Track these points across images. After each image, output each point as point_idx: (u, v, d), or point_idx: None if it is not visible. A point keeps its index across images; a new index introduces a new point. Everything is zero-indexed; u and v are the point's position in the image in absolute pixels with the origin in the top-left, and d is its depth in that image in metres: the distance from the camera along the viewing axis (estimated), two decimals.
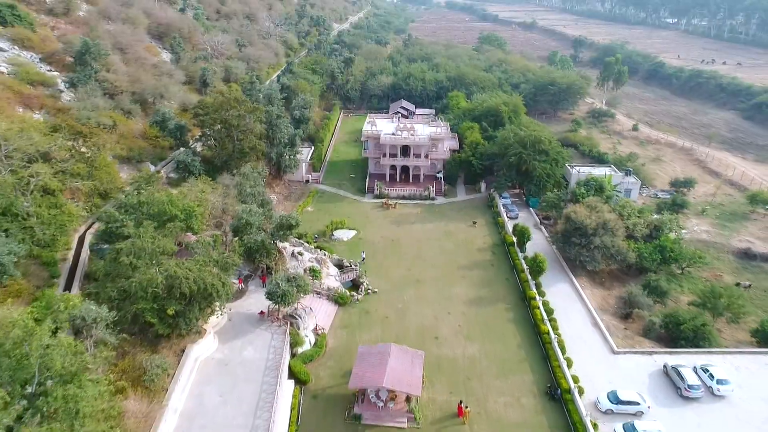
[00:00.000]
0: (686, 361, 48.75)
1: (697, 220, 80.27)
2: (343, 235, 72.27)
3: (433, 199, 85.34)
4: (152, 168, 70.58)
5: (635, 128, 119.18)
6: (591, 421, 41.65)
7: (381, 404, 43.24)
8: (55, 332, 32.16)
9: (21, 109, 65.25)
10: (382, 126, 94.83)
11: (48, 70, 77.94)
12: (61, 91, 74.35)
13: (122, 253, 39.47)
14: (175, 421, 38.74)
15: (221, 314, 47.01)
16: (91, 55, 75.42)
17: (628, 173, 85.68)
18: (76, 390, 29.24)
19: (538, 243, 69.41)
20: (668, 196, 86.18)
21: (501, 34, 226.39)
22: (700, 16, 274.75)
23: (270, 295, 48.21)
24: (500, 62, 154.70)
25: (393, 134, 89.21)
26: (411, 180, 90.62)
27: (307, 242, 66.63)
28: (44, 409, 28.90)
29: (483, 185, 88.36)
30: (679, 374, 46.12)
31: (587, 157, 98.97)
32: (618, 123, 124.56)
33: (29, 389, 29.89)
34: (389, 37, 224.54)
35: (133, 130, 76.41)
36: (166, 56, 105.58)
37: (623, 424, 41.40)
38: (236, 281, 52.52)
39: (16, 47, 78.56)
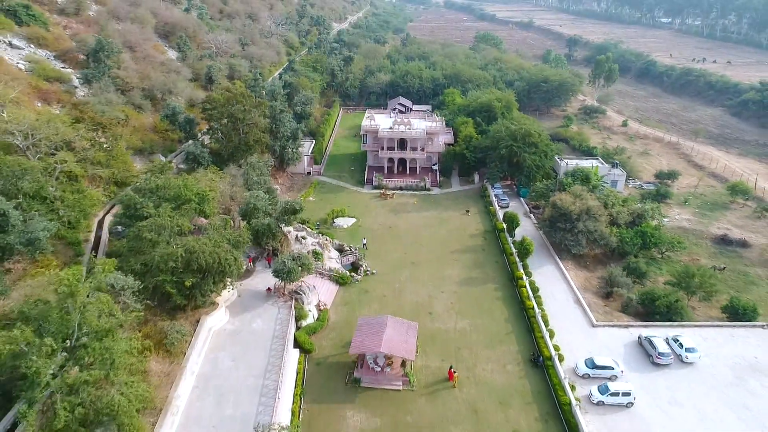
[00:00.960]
0: (659, 333, 52.91)
1: (679, 209, 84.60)
2: (344, 222, 76.53)
3: (428, 189, 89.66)
4: (162, 159, 74.74)
5: (624, 124, 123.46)
6: (569, 384, 45.95)
7: (378, 369, 47.51)
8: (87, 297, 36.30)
9: (39, 104, 69.40)
10: (381, 121, 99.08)
11: (62, 67, 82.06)
12: (76, 87, 78.39)
13: (144, 230, 43.69)
14: (192, 381, 42.99)
15: (232, 288, 51.21)
16: (104, 52, 79.55)
17: (614, 165, 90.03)
18: (111, 343, 33.49)
19: (527, 229, 73.69)
20: (653, 187, 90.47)
21: (498, 34, 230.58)
22: (693, 16, 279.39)
23: (276, 273, 52.48)
24: (496, 61, 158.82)
25: (391, 128, 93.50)
26: (408, 172, 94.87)
27: (310, 228, 70.85)
28: (83, 360, 33.13)
29: (476, 177, 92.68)
30: (651, 343, 50.42)
31: (577, 151, 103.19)
32: (608, 119, 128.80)
33: (69, 343, 34.06)
34: (388, 36, 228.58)
35: (145, 123, 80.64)
36: (172, 54, 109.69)
37: (598, 386, 45.70)
38: (246, 260, 56.70)
39: (31, 45, 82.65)
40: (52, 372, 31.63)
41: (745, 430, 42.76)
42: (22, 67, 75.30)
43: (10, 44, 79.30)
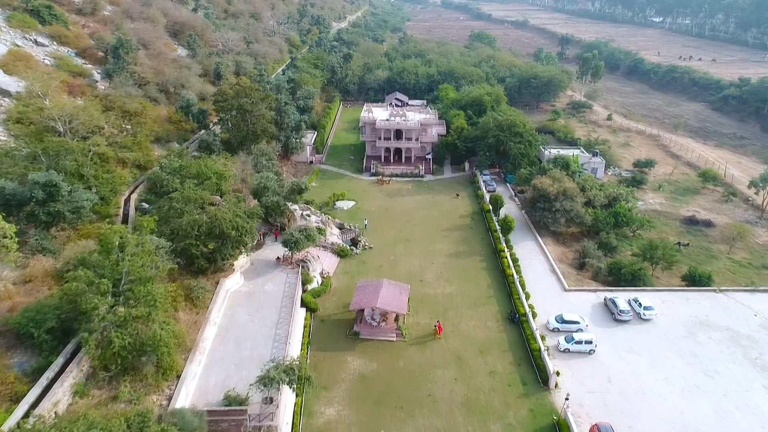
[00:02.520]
0: (623, 296, 59.98)
1: (653, 194, 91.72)
2: (344, 205, 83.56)
3: (422, 176, 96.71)
4: (178, 146, 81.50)
5: (609, 118, 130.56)
6: (540, 335, 52.96)
7: (375, 323, 54.54)
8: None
9: (66, 96, 76.20)
10: (378, 113, 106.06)
11: (83, 63, 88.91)
12: (97, 81, 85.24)
13: (174, 201, 50.58)
14: (214, 330, 49.87)
15: (246, 256, 58.12)
16: (123, 49, 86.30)
17: (595, 154, 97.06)
18: (152, 287, 40.41)
19: (511, 210, 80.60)
20: (631, 175, 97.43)
21: (493, 33, 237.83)
22: (683, 15, 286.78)
23: (285, 243, 59.43)
24: (489, 58, 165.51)
25: (387, 120, 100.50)
26: (403, 160, 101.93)
27: (313, 209, 77.73)
28: (130, 301, 40.02)
29: (467, 165, 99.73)
30: (614, 303, 57.56)
31: (563, 142, 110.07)
32: (595, 113, 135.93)
33: (118, 288, 40.88)
34: (386, 35, 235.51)
35: (160, 115, 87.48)
36: (181, 52, 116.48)
37: (564, 336, 52.80)
38: (258, 234, 63.62)
39: (54, 43, 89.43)
40: (105, 309, 38.52)
41: (690, 372, 49.89)
42: (48, 63, 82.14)
43: (36, 42, 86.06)
